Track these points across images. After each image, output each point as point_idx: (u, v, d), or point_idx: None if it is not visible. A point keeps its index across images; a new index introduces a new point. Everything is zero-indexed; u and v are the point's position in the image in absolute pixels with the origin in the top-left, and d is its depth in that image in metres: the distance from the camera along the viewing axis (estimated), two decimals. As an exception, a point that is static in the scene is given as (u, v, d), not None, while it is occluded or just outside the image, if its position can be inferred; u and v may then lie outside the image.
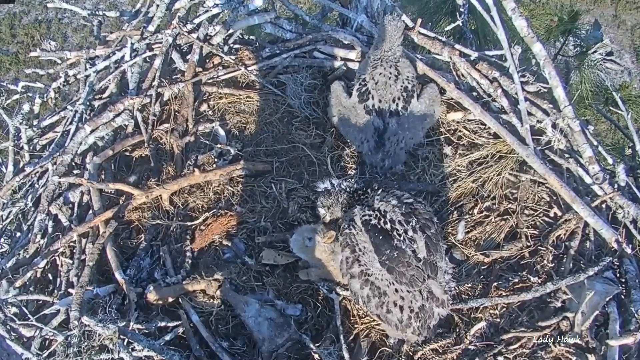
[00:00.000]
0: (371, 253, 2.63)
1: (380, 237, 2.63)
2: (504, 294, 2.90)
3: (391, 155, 3.42)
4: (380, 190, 2.86)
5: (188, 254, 3.09)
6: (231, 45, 4.00)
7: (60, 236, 3.15)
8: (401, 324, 2.61)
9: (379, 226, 2.66)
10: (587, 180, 3.23)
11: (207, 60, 3.92)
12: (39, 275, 3.13)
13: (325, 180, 3.05)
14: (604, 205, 3.17)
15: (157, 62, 3.69)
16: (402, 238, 2.61)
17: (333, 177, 3.09)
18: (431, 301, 2.62)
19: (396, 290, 2.59)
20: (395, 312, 2.60)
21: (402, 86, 3.40)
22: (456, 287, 2.86)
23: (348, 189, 2.99)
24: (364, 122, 3.45)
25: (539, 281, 2.93)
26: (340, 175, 3.21)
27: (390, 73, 3.38)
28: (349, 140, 3.57)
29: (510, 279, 2.95)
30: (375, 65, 3.40)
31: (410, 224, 2.64)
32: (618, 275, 2.91)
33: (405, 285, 2.58)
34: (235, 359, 2.74)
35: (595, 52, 5.56)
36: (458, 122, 3.65)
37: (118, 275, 2.93)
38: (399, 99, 3.40)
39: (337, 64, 3.86)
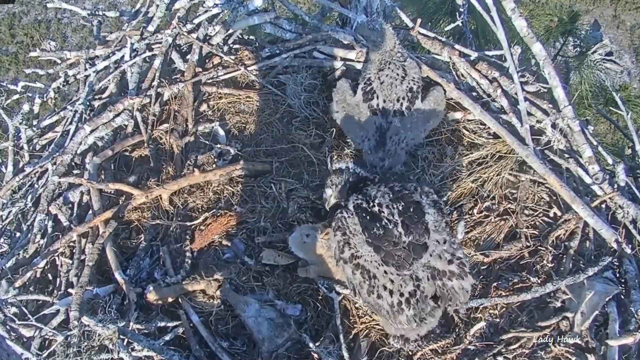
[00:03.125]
0: (361, 235, 2.65)
1: (368, 218, 2.65)
2: (503, 294, 2.90)
3: (391, 154, 3.42)
4: (378, 183, 2.87)
5: (188, 254, 3.09)
6: (231, 45, 4.00)
7: (60, 236, 3.15)
8: (392, 309, 2.58)
9: (369, 209, 2.68)
10: (587, 180, 3.23)
11: (207, 61, 3.92)
12: (38, 275, 3.13)
13: (342, 161, 3.04)
14: (603, 205, 3.17)
15: (157, 62, 3.69)
16: (388, 221, 2.61)
17: (350, 161, 3.08)
18: (424, 281, 2.57)
19: (385, 272, 2.59)
20: (385, 297, 2.59)
21: (407, 87, 3.41)
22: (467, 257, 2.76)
23: (360, 174, 2.98)
24: (366, 120, 3.46)
25: (539, 281, 2.93)
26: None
27: (398, 74, 3.39)
28: (349, 138, 3.57)
29: (510, 279, 2.95)
30: (382, 67, 3.41)
31: (397, 208, 2.65)
32: (618, 275, 2.92)
33: (393, 267, 2.57)
34: (235, 359, 2.74)
35: (594, 52, 5.58)
36: (458, 122, 3.65)
37: (118, 276, 2.93)
38: (403, 99, 3.41)
39: (337, 64, 3.86)
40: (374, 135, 3.43)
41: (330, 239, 2.85)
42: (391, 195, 2.70)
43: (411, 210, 2.64)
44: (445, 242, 2.62)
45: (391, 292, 2.58)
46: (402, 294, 2.58)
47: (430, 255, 2.59)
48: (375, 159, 3.44)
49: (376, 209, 2.67)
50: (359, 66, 3.79)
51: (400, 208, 2.65)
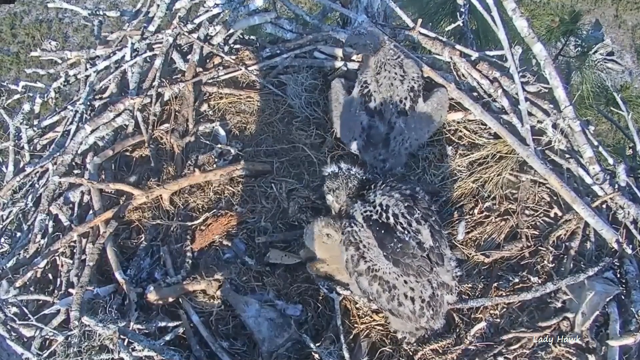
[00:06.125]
0: (376, 248, 2.64)
1: (383, 232, 2.64)
2: (504, 294, 2.90)
3: (395, 155, 3.41)
4: (383, 185, 2.84)
5: (188, 254, 3.09)
6: (231, 45, 4.00)
7: (61, 236, 3.15)
8: (414, 314, 2.63)
9: (380, 221, 2.67)
10: (588, 180, 3.22)
11: (208, 60, 3.92)
12: (39, 275, 3.13)
13: (332, 164, 2.97)
14: (604, 206, 3.17)
15: (158, 62, 3.69)
16: (405, 231, 2.62)
17: (341, 162, 3.00)
18: (441, 288, 2.64)
19: (405, 282, 2.60)
20: (407, 304, 2.62)
21: (409, 86, 3.40)
22: (462, 275, 2.87)
23: (358, 175, 2.92)
24: (354, 121, 3.46)
25: (539, 281, 2.92)
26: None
27: (397, 74, 3.38)
28: (340, 137, 3.56)
29: (510, 279, 2.95)
30: (379, 70, 3.40)
31: (414, 215, 2.66)
32: (618, 275, 2.91)
33: (413, 277, 2.59)
34: (235, 359, 2.74)
35: (596, 52, 5.57)
36: (458, 122, 3.64)
37: (118, 276, 2.93)
38: (405, 99, 3.40)
39: (338, 64, 3.86)
40: (360, 136, 3.43)
41: (341, 252, 2.85)
42: (405, 204, 2.69)
43: (433, 219, 2.70)
44: (451, 260, 2.74)
45: (412, 300, 2.61)
46: (423, 300, 2.62)
47: (444, 269, 2.65)
48: (376, 160, 3.44)
49: (391, 220, 2.66)
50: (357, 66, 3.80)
51: (417, 215, 2.67)
